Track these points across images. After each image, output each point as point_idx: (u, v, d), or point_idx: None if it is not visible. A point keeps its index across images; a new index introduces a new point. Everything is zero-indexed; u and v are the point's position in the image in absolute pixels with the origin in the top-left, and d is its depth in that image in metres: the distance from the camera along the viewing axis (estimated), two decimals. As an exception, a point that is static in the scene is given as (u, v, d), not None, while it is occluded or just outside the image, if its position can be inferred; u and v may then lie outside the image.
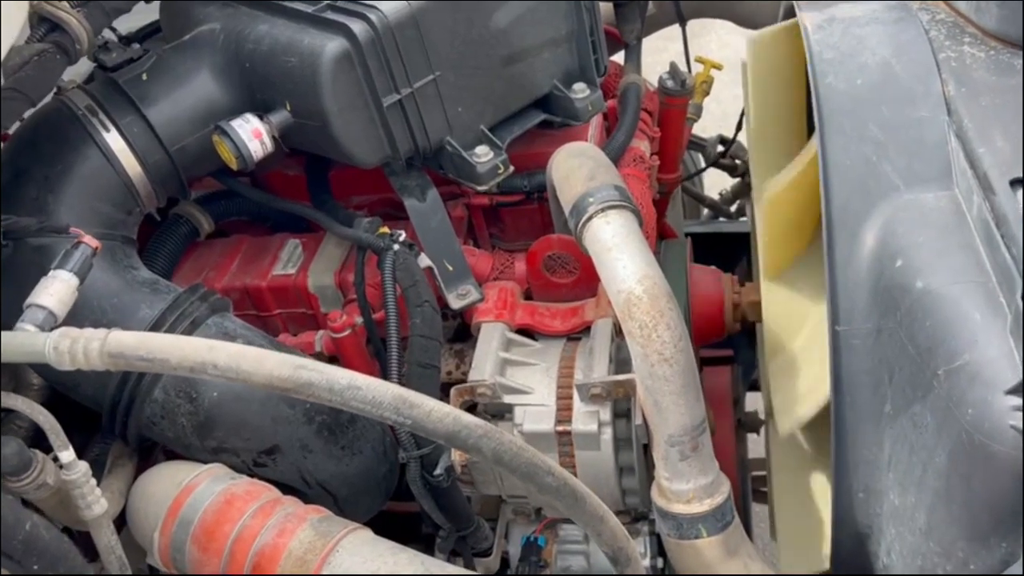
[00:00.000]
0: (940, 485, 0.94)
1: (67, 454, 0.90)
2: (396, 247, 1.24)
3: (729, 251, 2.33)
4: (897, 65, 1.14)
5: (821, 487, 1.38)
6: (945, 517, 0.94)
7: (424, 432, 0.81)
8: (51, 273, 0.94)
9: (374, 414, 0.78)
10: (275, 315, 1.45)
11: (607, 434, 1.20)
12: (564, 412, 1.21)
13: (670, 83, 1.63)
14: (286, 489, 1.26)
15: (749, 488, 2.14)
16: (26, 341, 0.84)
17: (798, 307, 1.40)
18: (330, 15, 1.19)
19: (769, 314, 1.43)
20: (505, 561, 1.40)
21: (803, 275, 1.42)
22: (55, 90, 1.25)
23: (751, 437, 2.17)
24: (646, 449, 1.22)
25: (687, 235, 2.21)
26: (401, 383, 1.18)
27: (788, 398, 1.34)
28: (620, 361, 1.28)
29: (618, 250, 1.07)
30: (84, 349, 0.81)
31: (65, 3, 1.08)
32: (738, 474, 1.93)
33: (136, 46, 1.30)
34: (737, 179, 2.48)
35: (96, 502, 0.93)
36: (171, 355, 0.79)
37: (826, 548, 1.23)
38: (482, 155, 1.29)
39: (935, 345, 0.93)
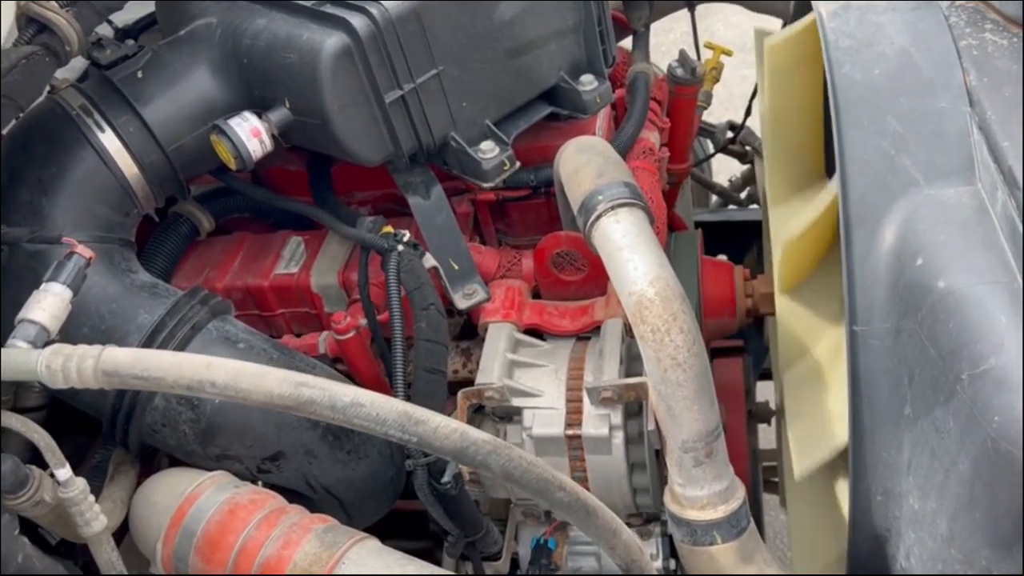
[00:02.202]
0: (963, 492, 0.91)
1: (63, 472, 0.88)
2: (400, 248, 1.21)
3: (739, 239, 2.30)
4: (916, 54, 1.11)
5: (837, 487, 1.35)
6: (968, 524, 0.92)
7: (431, 449, 0.78)
8: (43, 286, 0.91)
9: (379, 432, 0.76)
10: (278, 315, 1.42)
11: (618, 438, 1.17)
12: (574, 415, 1.19)
13: (680, 71, 1.59)
14: (291, 494, 1.24)
15: (760, 479, 2.13)
16: (18, 359, 0.81)
17: (814, 326, 1.35)
18: (329, 9, 1.16)
19: (784, 333, 1.39)
20: (515, 562, 1.39)
21: (819, 292, 1.37)
22: (48, 89, 1.22)
23: (761, 427, 2.15)
24: (658, 453, 1.19)
25: (697, 224, 2.18)
26: (407, 388, 1.16)
27: (805, 439, 1.30)
28: (631, 362, 1.25)
29: (629, 250, 1.03)
30: (77, 367, 0.78)
31: (54, 3, 1.04)
32: (749, 465, 1.91)
33: (131, 42, 1.26)
34: (747, 165, 2.44)
35: (95, 519, 0.91)
36: (167, 373, 0.76)
37: (841, 547, 1.20)
38: (487, 151, 1.26)
39: (958, 348, 0.90)
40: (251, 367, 0.77)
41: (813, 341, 1.32)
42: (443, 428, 0.77)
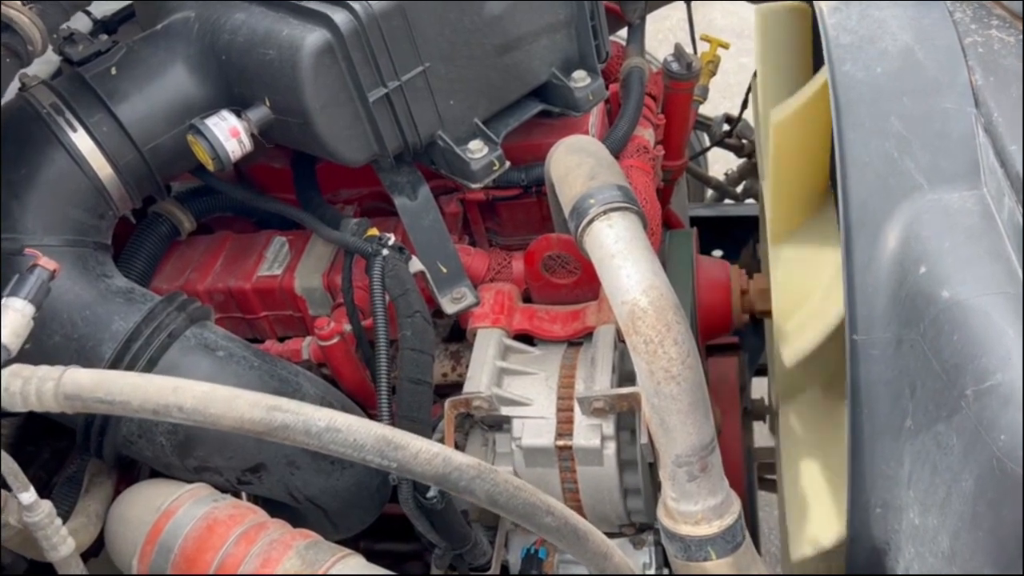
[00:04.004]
0: (966, 510, 0.88)
1: (27, 496, 0.84)
2: (385, 252, 1.17)
3: (735, 234, 2.26)
4: (920, 51, 1.07)
5: (831, 468, 1.32)
6: (970, 544, 0.89)
7: (412, 475, 0.75)
8: (3, 301, 0.87)
9: (356, 457, 0.72)
10: (261, 318, 1.38)
11: (610, 449, 1.14)
12: (565, 425, 1.15)
13: (675, 66, 1.54)
14: (275, 503, 1.21)
15: (755, 478, 2.10)
16: (-26, 380, 0.77)
17: (809, 269, 1.32)
18: (311, 4, 1.11)
19: (778, 279, 1.36)
20: (505, 569, 1.35)
21: (813, 236, 1.34)
22: (19, 86, 1.18)
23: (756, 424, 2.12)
24: (651, 465, 1.16)
25: (692, 221, 2.15)
26: (391, 399, 1.13)
27: (793, 326, 1.28)
28: (624, 369, 1.21)
29: (621, 257, 1.00)
30: (37, 390, 0.74)
31: (16, 1, 0.99)
32: (744, 465, 1.89)
33: (104, 37, 1.21)
34: (743, 159, 2.41)
35: (62, 543, 0.87)
36: (132, 397, 0.72)
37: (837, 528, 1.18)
38: (476, 151, 1.21)
39: (963, 362, 0.87)
40: (221, 390, 0.73)
41: (810, 278, 1.29)
42: (424, 453, 0.74)
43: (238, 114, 1.14)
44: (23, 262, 0.94)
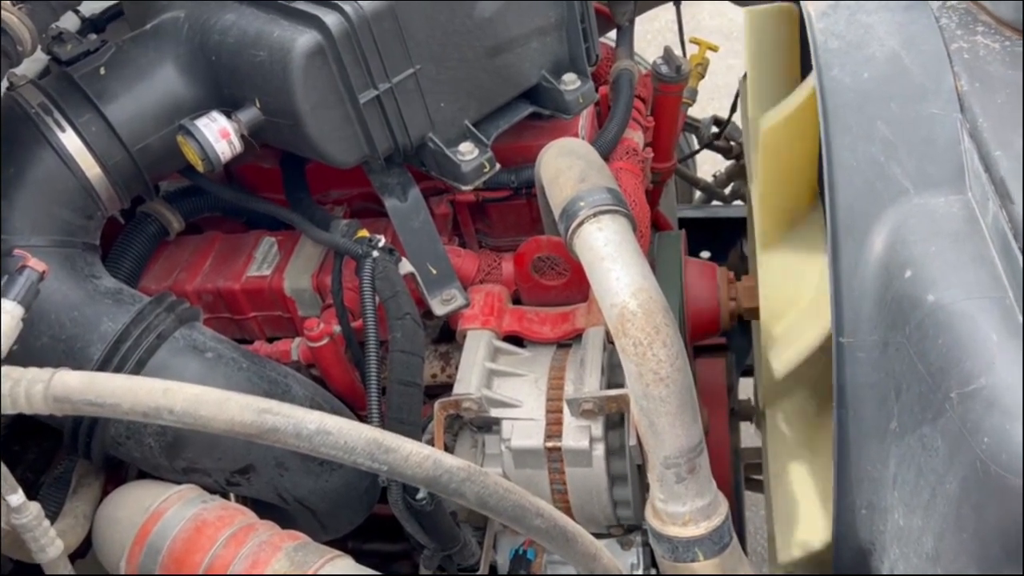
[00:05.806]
0: (950, 512, 0.90)
1: (15, 498, 0.83)
2: (375, 253, 1.17)
3: (723, 236, 2.28)
4: (907, 57, 1.08)
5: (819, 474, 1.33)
6: (954, 545, 0.90)
7: (402, 478, 0.75)
8: (-7, 303, 0.87)
9: (347, 460, 0.72)
10: (250, 318, 1.38)
11: (599, 450, 1.15)
12: (554, 427, 1.16)
13: (665, 69, 1.55)
14: (263, 505, 1.21)
15: (741, 478, 2.12)
16: (-38, 382, 0.77)
17: (796, 274, 1.33)
18: (301, 5, 1.11)
19: (766, 285, 1.36)
20: (493, 569, 1.36)
21: (800, 243, 1.35)
22: (7, 86, 1.17)
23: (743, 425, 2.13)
24: (640, 467, 1.16)
25: (680, 221, 2.16)
26: (381, 401, 1.13)
27: (782, 335, 1.29)
28: (613, 370, 1.22)
29: (611, 260, 1.00)
30: (26, 392, 0.74)
31: (7, 2, 0.99)
32: (731, 465, 1.90)
33: (93, 36, 1.20)
34: (731, 161, 2.42)
35: (51, 544, 0.87)
36: (122, 399, 0.72)
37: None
38: (466, 153, 1.22)
39: (948, 365, 0.88)
40: (212, 392, 0.73)
41: (797, 283, 1.30)
42: (415, 456, 0.74)
43: (228, 115, 1.14)
44: (12, 263, 0.93)
